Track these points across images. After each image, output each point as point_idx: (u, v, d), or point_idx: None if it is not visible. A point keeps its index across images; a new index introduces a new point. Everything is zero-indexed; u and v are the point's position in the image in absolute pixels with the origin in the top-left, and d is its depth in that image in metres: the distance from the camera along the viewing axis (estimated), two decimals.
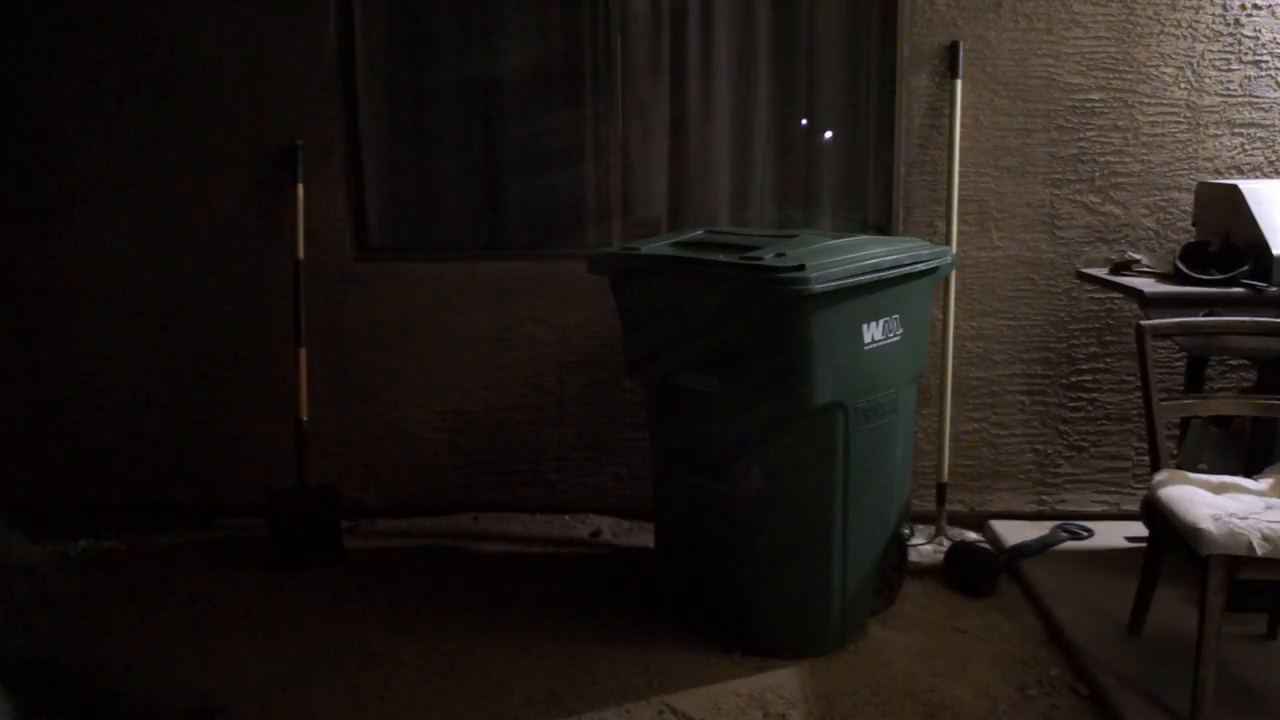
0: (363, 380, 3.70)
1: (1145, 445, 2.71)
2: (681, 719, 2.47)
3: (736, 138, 3.61)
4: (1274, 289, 2.74)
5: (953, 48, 3.35)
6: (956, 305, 3.45)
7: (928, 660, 2.72)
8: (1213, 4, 3.30)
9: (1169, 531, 2.41)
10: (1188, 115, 3.36)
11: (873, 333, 2.64)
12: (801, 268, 2.45)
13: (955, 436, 3.54)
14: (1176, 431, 3.23)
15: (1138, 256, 3.14)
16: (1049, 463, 3.58)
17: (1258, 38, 3.31)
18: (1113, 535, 3.39)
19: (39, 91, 3.64)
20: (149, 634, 2.93)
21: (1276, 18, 3.30)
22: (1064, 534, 3.39)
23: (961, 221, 3.42)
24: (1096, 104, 3.37)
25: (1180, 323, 2.66)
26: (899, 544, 3.00)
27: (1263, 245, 2.77)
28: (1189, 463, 3.03)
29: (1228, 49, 3.32)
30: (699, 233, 3.06)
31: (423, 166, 3.71)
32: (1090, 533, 3.41)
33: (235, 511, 3.74)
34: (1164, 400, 2.62)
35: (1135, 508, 3.17)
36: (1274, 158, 3.36)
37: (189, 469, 3.80)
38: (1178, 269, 2.90)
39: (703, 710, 2.50)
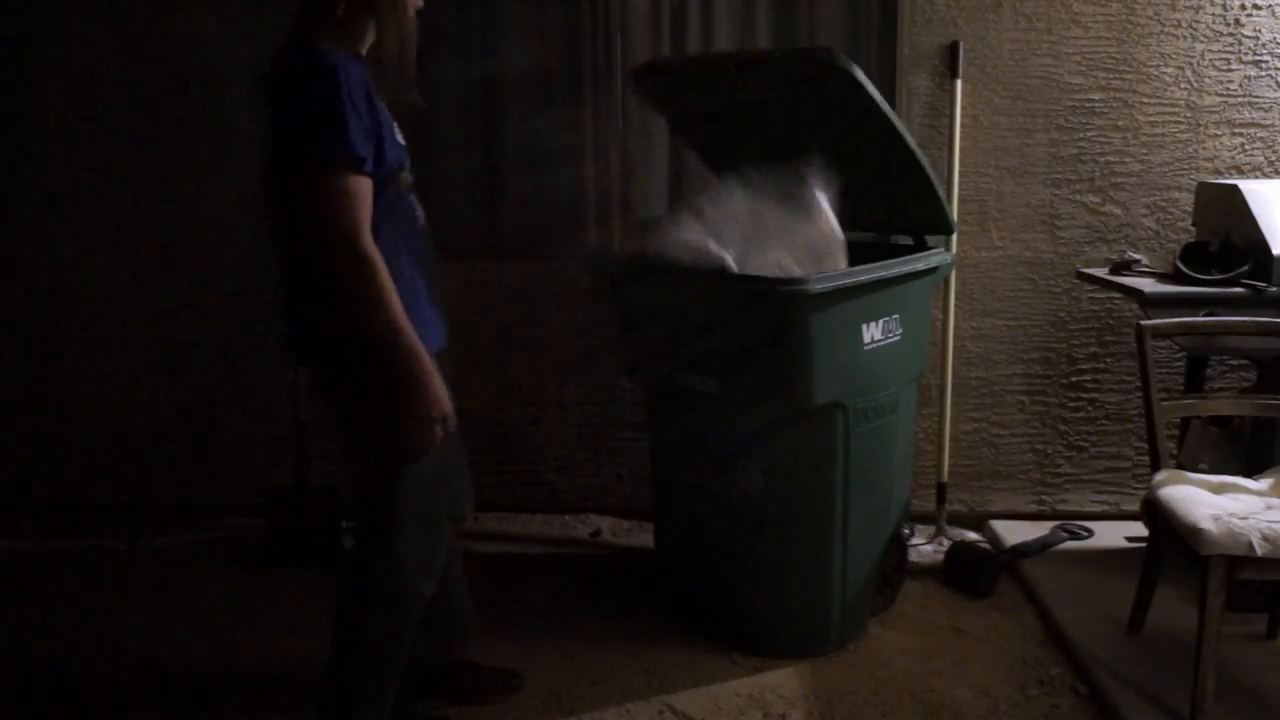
0: None
1: (1145, 445, 2.70)
2: (681, 719, 2.47)
3: None
4: (1274, 289, 2.74)
5: (953, 48, 3.35)
6: (956, 305, 3.45)
7: (928, 660, 2.72)
8: (1213, 4, 3.29)
9: (1169, 531, 2.41)
10: (1188, 115, 3.36)
11: (872, 332, 2.64)
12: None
13: (955, 436, 3.54)
14: (1176, 431, 3.23)
15: (1138, 256, 3.14)
16: (1049, 463, 3.57)
17: (1258, 38, 3.31)
18: (1113, 535, 3.39)
19: (40, 91, 3.64)
20: (148, 634, 2.93)
21: (1276, 18, 3.30)
22: (1064, 534, 3.39)
23: (961, 221, 3.41)
24: (1096, 104, 3.37)
25: (1180, 323, 2.66)
26: (899, 544, 3.00)
27: (1263, 245, 2.77)
28: (1189, 463, 3.03)
29: (1228, 49, 3.32)
30: None
31: (422, 166, 3.69)
32: (1090, 533, 3.41)
33: (235, 511, 3.73)
34: (1164, 400, 2.62)
35: (1135, 508, 3.16)
36: (1274, 158, 3.36)
37: (189, 469, 3.80)
38: (1178, 269, 2.90)
39: (703, 710, 2.50)
